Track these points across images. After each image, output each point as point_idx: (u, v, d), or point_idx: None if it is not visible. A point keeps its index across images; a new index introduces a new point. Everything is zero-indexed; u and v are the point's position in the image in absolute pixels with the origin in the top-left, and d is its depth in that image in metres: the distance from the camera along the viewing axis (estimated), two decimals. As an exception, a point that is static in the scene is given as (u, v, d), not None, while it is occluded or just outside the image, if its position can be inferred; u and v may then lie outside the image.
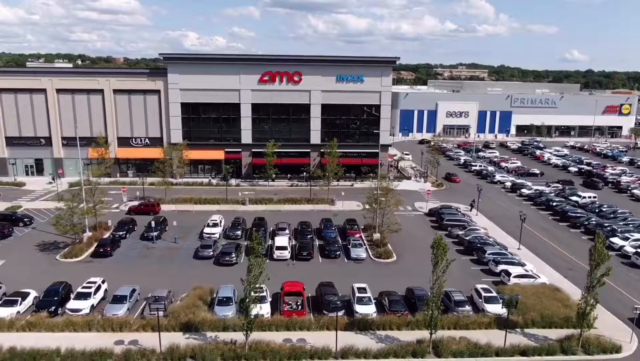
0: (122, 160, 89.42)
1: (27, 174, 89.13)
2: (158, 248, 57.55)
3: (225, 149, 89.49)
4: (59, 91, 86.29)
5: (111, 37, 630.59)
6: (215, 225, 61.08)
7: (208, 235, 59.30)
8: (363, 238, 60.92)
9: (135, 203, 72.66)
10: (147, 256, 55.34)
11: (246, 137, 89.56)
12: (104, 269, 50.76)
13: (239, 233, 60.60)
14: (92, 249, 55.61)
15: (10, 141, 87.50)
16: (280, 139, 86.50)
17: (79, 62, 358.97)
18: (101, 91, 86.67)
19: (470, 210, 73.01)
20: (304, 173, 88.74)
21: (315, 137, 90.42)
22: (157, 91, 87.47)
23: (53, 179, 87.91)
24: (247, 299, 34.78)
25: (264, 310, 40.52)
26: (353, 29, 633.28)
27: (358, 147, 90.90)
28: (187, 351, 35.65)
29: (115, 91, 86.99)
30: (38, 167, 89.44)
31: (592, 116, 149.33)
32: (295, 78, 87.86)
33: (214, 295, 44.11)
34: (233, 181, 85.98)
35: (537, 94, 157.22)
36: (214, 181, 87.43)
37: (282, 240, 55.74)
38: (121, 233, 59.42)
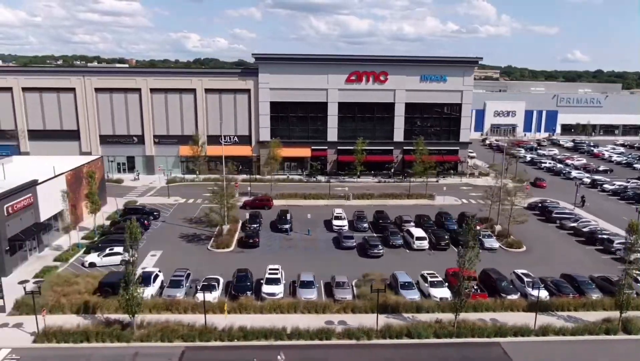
0: (211, 157, 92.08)
1: (119, 171, 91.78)
2: (295, 239, 60.26)
3: (312, 147, 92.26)
4: (152, 90, 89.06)
5: (113, 38, 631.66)
6: (343, 218, 63.78)
7: (338, 227, 61.97)
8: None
9: (248, 197, 75.35)
10: (291, 246, 57.97)
11: (332, 135, 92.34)
12: (257, 258, 53.18)
13: (365, 225, 63.32)
14: (235, 240, 58.42)
15: (104, 139, 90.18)
16: (364, 137, 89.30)
17: (96, 63, 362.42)
18: (193, 91, 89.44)
19: (582, 205, 75.70)
20: (391, 170, 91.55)
21: (399, 135, 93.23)
22: (247, 90, 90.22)
23: (138, 176, 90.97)
24: (461, 282, 37.53)
25: (446, 293, 43.61)
26: (354, 30, 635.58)
27: (439, 145, 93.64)
28: (402, 330, 38.35)
29: (207, 90, 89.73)
30: (129, 165, 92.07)
31: (637, 115, 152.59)
32: (381, 78, 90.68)
33: (387, 281, 46.84)
34: (321, 178, 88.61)
35: (581, 94, 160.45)
36: (304, 178, 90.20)
37: (419, 231, 58.45)
38: (254, 225, 62.04)
